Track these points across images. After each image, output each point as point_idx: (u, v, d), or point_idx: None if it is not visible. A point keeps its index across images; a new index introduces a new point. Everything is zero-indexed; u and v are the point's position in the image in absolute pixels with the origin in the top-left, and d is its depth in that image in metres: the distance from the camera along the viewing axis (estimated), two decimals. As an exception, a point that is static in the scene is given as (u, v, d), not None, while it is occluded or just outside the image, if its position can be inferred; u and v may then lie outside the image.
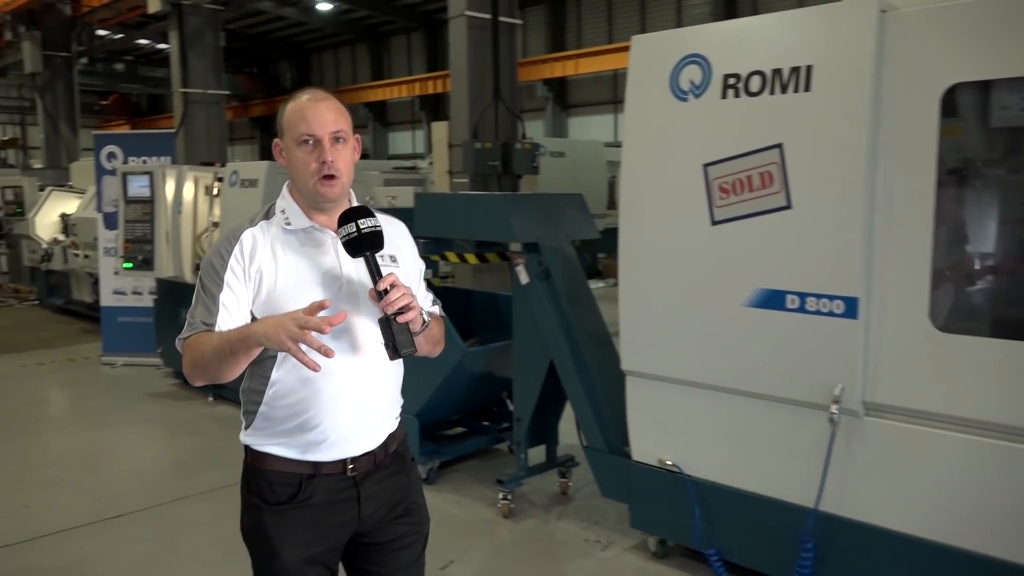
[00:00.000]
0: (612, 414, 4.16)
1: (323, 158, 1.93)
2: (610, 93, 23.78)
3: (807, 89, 3.20)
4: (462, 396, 5.17)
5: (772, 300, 3.33)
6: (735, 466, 3.59)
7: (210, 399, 6.95)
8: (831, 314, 3.18)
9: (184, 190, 6.93)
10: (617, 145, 18.83)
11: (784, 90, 3.26)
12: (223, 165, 7.16)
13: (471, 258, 4.77)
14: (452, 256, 4.89)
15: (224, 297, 1.93)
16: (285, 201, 2.04)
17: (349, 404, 1.99)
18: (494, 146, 8.87)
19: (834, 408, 3.15)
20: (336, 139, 1.95)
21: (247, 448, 2.07)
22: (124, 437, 6.12)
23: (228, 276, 1.94)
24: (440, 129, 9.27)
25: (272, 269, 1.96)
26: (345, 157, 1.98)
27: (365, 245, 1.88)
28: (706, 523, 3.68)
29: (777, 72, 3.27)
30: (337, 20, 27.73)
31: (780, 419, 3.39)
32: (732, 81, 3.41)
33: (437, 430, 5.49)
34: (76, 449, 5.80)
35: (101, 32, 20.48)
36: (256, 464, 2.05)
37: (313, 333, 1.75)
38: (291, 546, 2.00)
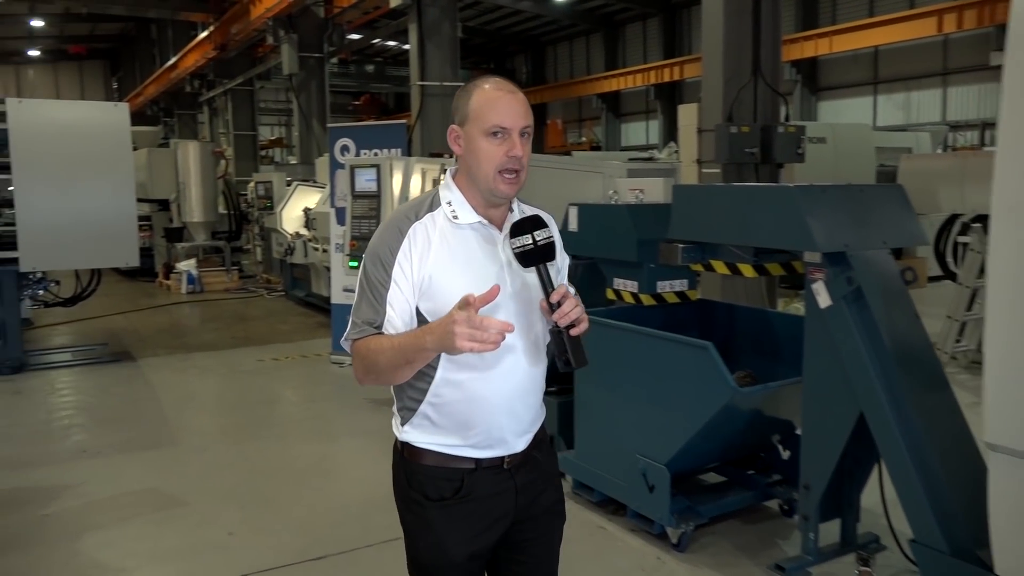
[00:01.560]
0: (957, 499, 2.90)
1: (513, 151, 1.85)
2: (869, 73, 21.21)
3: None
4: (725, 442, 4.07)
5: None
6: None
7: (432, 410, 6.36)
8: None
9: (411, 183, 6.35)
10: (884, 129, 16.56)
11: None
12: (451, 156, 6.50)
13: (746, 269, 3.65)
14: (720, 266, 3.79)
15: (391, 296, 1.86)
16: (451, 192, 1.95)
17: (505, 406, 1.95)
18: (752, 130, 7.58)
19: None
20: (523, 134, 1.88)
21: (404, 444, 1.99)
22: (341, 452, 5.61)
23: (396, 273, 1.86)
24: (688, 112, 8.11)
25: (438, 265, 1.87)
26: (528, 153, 1.90)
27: (539, 257, 1.81)
28: None
29: None
30: (572, 11, 27.14)
31: None
32: None
33: (689, 477, 4.44)
34: (292, 463, 5.34)
35: (353, 36, 21.24)
36: (415, 460, 1.97)
37: (485, 319, 1.67)
38: (456, 541, 1.97)
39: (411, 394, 1.94)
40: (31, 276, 7.96)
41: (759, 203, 3.44)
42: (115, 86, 37.31)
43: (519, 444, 1.99)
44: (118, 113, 7.91)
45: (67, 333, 9.75)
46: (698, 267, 3.92)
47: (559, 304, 1.76)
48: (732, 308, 4.72)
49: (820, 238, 3.13)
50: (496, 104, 1.84)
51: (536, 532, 2.08)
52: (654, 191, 5.16)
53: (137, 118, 28.19)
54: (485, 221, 1.91)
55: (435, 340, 1.72)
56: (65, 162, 7.57)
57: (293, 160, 20.78)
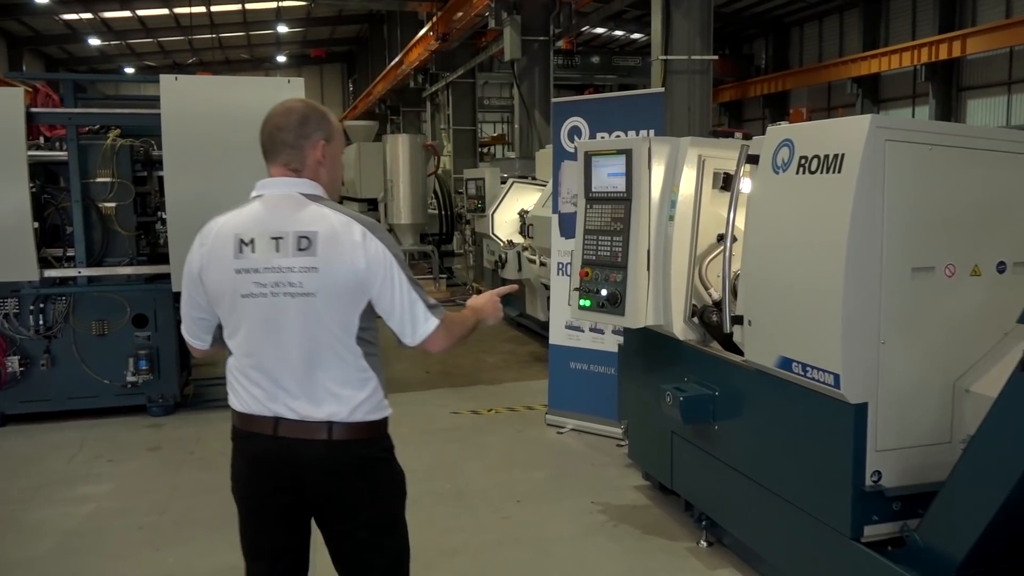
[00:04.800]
0: None
1: None
2: None
3: None
4: None
5: None
6: None
7: (703, 543, 3.87)
8: None
9: (682, 177, 3.88)
10: None
11: None
12: (747, 137, 3.95)
13: None
14: None
15: None
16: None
17: None
18: None
19: None
20: None
21: (387, 418, 2.23)
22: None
23: None
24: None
25: None
26: None
27: None
28: None
29: None
30: (827, -16, 23.30)
31: None
32: None
33: None
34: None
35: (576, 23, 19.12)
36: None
37: None
38: None
39: (380, 367, 2.18)
40: (194, 293, 6.37)
41: None
42: (351, 88, 37.92)
43: None
44: (292, 92, 6.09)
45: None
46: None
47: None
48: None
49: None
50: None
51: None
52: None
53: (366, 117, 27.89)
54: None
55: (490, 315, 2.38)
56: (226, 155, 5.85)
57: (513, 156, 18.98)
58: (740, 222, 4.01)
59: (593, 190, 4.17)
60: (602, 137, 5.29)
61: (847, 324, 2.75)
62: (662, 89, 5.48)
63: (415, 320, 2.12)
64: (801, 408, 3.03)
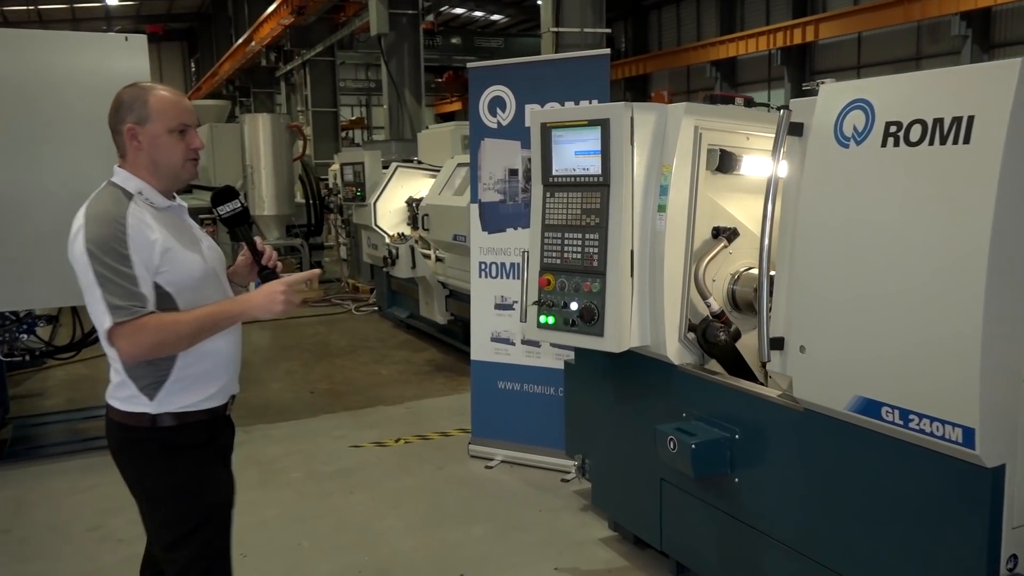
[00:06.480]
0: None
1: (194, 144, 2.11)
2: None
3: None
4: None
5: None
6: None
7: (712, 620, 3.01)
8: None
9: (676, 158, 2.96)
10: None
11: None
12: (749, 102, 3.13)
13: None
14: None
15: (139, 275, 1.95)
16: (138, 183, 2.07)
17: (235, 354, 2.22)
18: None
19: None
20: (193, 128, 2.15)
21: (154, 416, 2.07)
22: None
23: (134, 256, 1.95)
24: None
25: (162, 243, 2.01)
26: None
27: (241, 219, 2.21)
28: None
29: None
30: (685, -32, 23.29)
31: None
32: None
33: None
34: None
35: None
36: (168, 424, 2.07)
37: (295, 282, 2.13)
38: (214, 483, 2.17)
39: (159, 368, 2.04)
40: (10, 315, 4.93)
41: None
42: (193, 68, 34.96)
43: (235, 387, 2.24)
44: (130, 53, 4.74)
45: (84, 377, 6.65)
46: None
47: (262, 252, 2.23)
48: None
49: None
50: (178, 104, 2.07)
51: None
52: None
53: (213, 99, 25.52)
54: (174, 204, 2.14)
55: (259, 306, 2.06)
56: (44, 132, 4.47)
57: (380, 138, 17.64)
58: (735, 210, 3.20)
59: (555, 173, 3.18)
60: (533, 110, 4.31)
61: (988, 359, 1.92)
62: (607, 51, 4.53)
63: (97, 318, 1.97)
64: (898, 469, 2.20)
